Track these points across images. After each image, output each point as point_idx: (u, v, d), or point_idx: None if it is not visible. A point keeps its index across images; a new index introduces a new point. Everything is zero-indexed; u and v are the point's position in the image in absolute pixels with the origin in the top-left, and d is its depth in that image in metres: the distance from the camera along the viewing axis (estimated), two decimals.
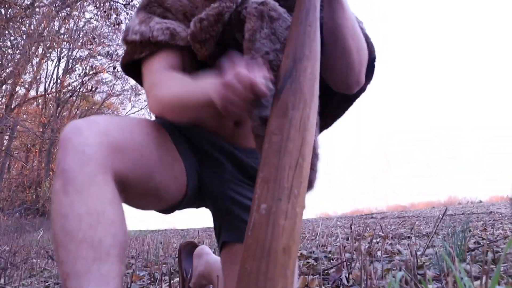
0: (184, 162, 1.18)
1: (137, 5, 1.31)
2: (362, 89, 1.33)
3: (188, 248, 1.82)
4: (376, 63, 1.30)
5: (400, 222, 7.28)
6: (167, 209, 1.23)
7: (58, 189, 0.93)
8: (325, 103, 1.39)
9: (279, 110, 0.91)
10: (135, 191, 1.06)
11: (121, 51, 11.57)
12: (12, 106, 10.90)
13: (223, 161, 1.25)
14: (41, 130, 12.95)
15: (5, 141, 11.96)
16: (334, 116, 1.40)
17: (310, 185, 1.04)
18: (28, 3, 8.13)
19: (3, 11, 7.81)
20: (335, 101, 1.38)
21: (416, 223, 6.52)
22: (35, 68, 11.49)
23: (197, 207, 1.31)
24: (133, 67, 1.27)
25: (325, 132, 1.45)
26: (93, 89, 10.32)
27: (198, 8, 1.22)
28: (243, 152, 1.27)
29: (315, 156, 1.08)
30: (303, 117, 0.90)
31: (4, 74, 9.34)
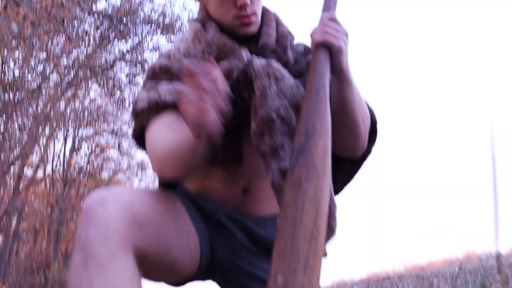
0: (198, 235, 1.17)
1: (146, 72, 1.35)
2: (368, 152, 1.37)
3: None
4: (377, 127, 1.35)
5: (418, 283, 7.09)
6: (179, 282, 1.21)
7: (78, 264, 0.92)
8: (335, 170, 1.37)
9: (293, 183, 0.94)
10: (152, 265, 1.05)
11: (125, 128, 11.77)
12: (20, 188, 10.97)
13: (234, 231, 1.24)
14: (49, 210, 12.93)
15: (13, 223, 11.94)
16: (344, 182, 1.41)
17: (333, 232, 1.10)
18: (35, 86, 8.39)
19: (11, 95, 8.05)
20: (345, 168, 1.39)
21: (435, 281, 6.35)
22: (42, 149, 11.66)
23: (204, 279, 1.28)
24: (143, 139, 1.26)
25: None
26: (100, 167, 10.40)
27: None
28: (253, 221, 1.27)
29: (333, 204, 1.12)
30: (316, 190, 0.93)
31: (12, 156, 9.49)
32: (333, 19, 1.18)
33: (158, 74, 1.29)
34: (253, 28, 1.31)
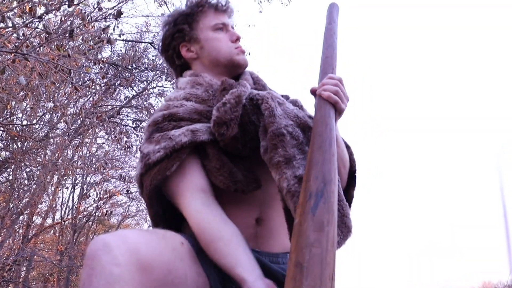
0: (208, 276, 1.16)
1: (145, 131, 1.41)
2: (351, 196, 1.46)
3: None
4: (356, 174, 1.47)
5: None
6: None
7: None
8: None
9: (316, 225, 0.98)
10: None
11: (133, 173, 11.81)
12: (29, 237, 10.96)
13: None
14: (58, 258, 12.85)
15: (22, 272, 11.87)
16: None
17: (350, 231, 1.21)
18: (43, 134, 8.51)
19: (19, 145, 8.16)
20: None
21: None
22: (51, 197, 11.70)
23: None
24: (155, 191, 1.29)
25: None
26: (109, 212, 10.41)
27: (214, 104, 1.36)
28: (266, 257, 1.27)
29: (345, 205, 1.23)
30: (334, 232, 0.99)
31: (21, 205, 9.53)
32: (342, 83, 1.31)
33: (163, 123, 1.32)
34: (246, 59, 1.53)
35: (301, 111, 1.35)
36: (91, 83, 7.00)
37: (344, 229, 1.20)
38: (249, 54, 7.50)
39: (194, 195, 1.24)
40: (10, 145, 8.07)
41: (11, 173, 8.76)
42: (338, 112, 1.28)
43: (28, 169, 8.71)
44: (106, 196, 12.02)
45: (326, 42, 1.51)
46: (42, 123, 8.68)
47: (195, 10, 1.53)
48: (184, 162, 1.27)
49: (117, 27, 6.52)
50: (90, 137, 9.05)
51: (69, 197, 13.50)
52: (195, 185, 1.26)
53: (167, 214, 1.34)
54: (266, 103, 1.29)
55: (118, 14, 4.82)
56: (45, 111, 8.26)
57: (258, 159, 1.27)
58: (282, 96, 1.52)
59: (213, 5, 1.54)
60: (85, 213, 13.79)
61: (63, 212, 13.41)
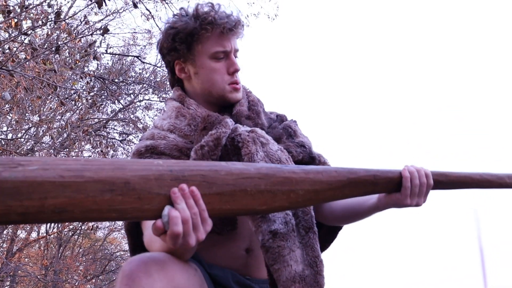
0: None
1: (130, 158, 1.38)
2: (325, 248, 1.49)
3: None
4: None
5: None
6: None
7: None
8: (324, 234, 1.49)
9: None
10: None
11: None
12: (13, 251, 10.81)
13: None
14: (43, 273, 12.69)
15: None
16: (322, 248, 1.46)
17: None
18: (28, 148, 8.43)
19: None
20: (322, 233, 1.45)
21: None
22: None
23: None
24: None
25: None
26: (95, 226, 10.30)
27: (194, 141, 1.33)
28: (257, 284, 1.32)
29: (320, 263, 1.21)
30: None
31: None
32: (429, 186, 1.24)
33: (145, 154, 1.33)
34: (240, 95, 1.45)
35: (284, 153, 1.31)
36: (77, 97, 6.96)
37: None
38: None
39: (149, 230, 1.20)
40: None
41: None
42: (402, 201, 1.23)
43: None
44: None
45: None
46: (27, 137, 8.62)
47: (198, 31, 1.39)
48: None
49: (104, 41, 6.51)
50: (76, 150, 8.98)
51: None
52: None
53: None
54: (246, 147, 1.26)
55: (105, 31, 4.82)
56: (30, 125, 8.20)
57: None
58: (277, 116, 1.54)
59: (220, 28, 1.38)
60: (71, 226, 13.64)
61: (48, 226, 13.26)
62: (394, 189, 1.20)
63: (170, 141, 1.34)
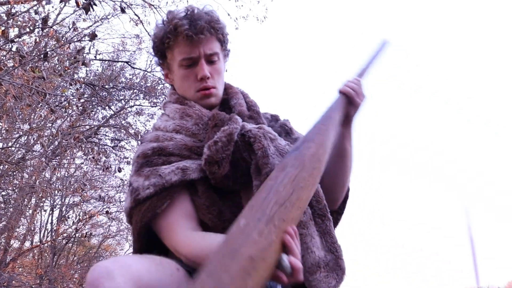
0: None
1: (133, 161, 1.41)
2: (341, 213, 1.50)
3: None
4: (349, 192, 1.51)
5: None
6: None
7: None
8: None
9: (279, 167, 1.04)
10: None
11: (113, 193, 11.67)
12: (7, 261, 10.73)
13: None
14: (37, 282, 12.60)
15: None
16: None
17: (344, 273, 1.22)
18: (19, 157, 8.37)
19: None
20: None
21: None
22: (29, 220, 11.49)
23: None
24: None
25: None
26: (88, 234, 10.25)
27: (204, 138, 1.34)
28: None
29: (339, 247, 1.24)
30: (299, 176, 1.01)
31: None
32: (360, 81, 1.39)
33: (152, 157, 1.32)
34: (213, 100, 1.45)
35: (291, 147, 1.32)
36: (67, 105, 6.92)
37: (339, 272, 1.21)
38: (226, 71, 7.48)
39: (183, 231, 1.25)
40: None
41: None
42: (353, 105, 1.35)
43: (4, 193, 8.55)
44: (85, 217, 11.84)
45: (369, 57, 1.57)
46: (18, 145, 8.55)
47: (165, 40, 1.42)
48: (174, 199, 1.27)
49: (93, 47, 6.48)
50: (68, 157, 8.94)
51: (47, 219, 13.26)
52: (184, 224, 1.26)
53: (151, 248, 1.34)
54: (259, 142, 1.27)
55: (93, 37, 4.78)
56: (21, 133, 8.14)
57: (248, 194, 1.27)
58: (272, 116, 1.57)
59: (182, 35, 1.38)
60: (65, 235, 13.56)
61: (41, 235, 13.17)
62: (347, 106, 1.35)
63: (178, 141, 1.34)
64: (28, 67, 5.11)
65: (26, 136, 8.65)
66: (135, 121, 10.16)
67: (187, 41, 1.39)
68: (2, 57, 4.97)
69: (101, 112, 10.18)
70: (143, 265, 1.05)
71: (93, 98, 9.22)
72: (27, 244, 12.97)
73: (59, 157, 8.58)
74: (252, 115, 1.47)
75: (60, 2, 4.38)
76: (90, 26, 8.58)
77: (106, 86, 9.17)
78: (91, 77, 9.57)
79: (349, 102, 1.35)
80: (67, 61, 5.97)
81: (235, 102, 1.49)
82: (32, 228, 12.46)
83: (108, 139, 10.25)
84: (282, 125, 1.52)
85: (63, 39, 5.78)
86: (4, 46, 5.02)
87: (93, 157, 7.49)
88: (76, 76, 8.03)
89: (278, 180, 0.99)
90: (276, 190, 0.96)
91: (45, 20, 4.36)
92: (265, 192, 0.96)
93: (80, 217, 11.43)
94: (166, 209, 1.26)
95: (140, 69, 9.68)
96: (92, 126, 9.67)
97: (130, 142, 9.65)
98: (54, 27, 5.32)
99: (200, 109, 1.41)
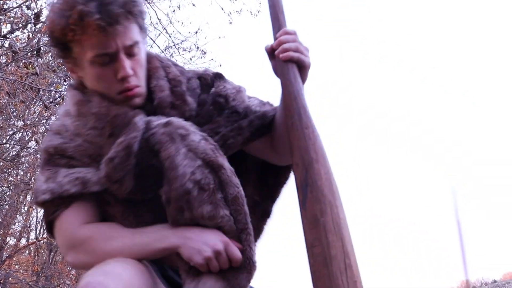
0: None
1: (41, 151, 1.30)
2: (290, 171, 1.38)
3: None
4: None
5: None
6: None
7: None
8: (266, 183, 1.38)
9: (310, 221, 0.93)
10: None
11: None
12: (3, 259, 10.71)
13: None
14: (34, 279, 12.59)
15: None
16: (274, 196, 1.39)
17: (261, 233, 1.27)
18: (14, 154, 8.34)
19: None
20: (276, 180, 1.38)
21: None
22: (24, 217, 11.47)
23: None
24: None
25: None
26: None
27: (103, 147, 1.18)
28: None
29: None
30: (334, 219, 0.93)
31: None
32: (294, 34, 1.17)
33: (55, 156, 1.22)
34: (138, 100, 1.22)
35: (210, 139, 1.17)
36: (61, 101, 6.89)
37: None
38: (220, 65, 7.47)
39: (79, 226, 1.20)
40: None
41: None
42: (303, 68, 1.15)
43: None
44: None
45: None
46: (12, 142, 8.51)
47: (69, 32, 1.12)
48: (69, 207, 1.19)
49: None
50: None
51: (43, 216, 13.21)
52: (80, 222, 1.19)
53: None
54: (165, 150, 1.11)
55: None
56: (15, 130, 8.11)
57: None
58: (201, 81, 1.33)
59: (95, 26, 1.10)
60: None
61: (37, 232, 13.13)
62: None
63: (79, 145, 1.21)
64: (21, 63, 5.08)
65: (21, 133, 8.62)
66: None
67: (100, 33, 1.12)
68: None
69: None
70: (130, 271, 1.05)
71: None
72: (23, 241, 12.94)
73: None
74: (175, 102, 1.24)
75: None
76: None
77: None
78: None
79: (299, 67, 1.15)
80: None
81: (155, 84, 1.25)
82: (28, 225, 12.43)
83: None
84: (215, 98, 1.28)
85: None
86: None
87: None
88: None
89: (324, 243, 0.92)
90: (330, 257, 0.91)
91: (37, 15, 4.33)
92: (324, 267, 0.91)
93: None
94: (60, 215, 1.19)
95: None
96: None
97: None
98: (47, 22, 5.28)
99: (100, 106, 1.19)
